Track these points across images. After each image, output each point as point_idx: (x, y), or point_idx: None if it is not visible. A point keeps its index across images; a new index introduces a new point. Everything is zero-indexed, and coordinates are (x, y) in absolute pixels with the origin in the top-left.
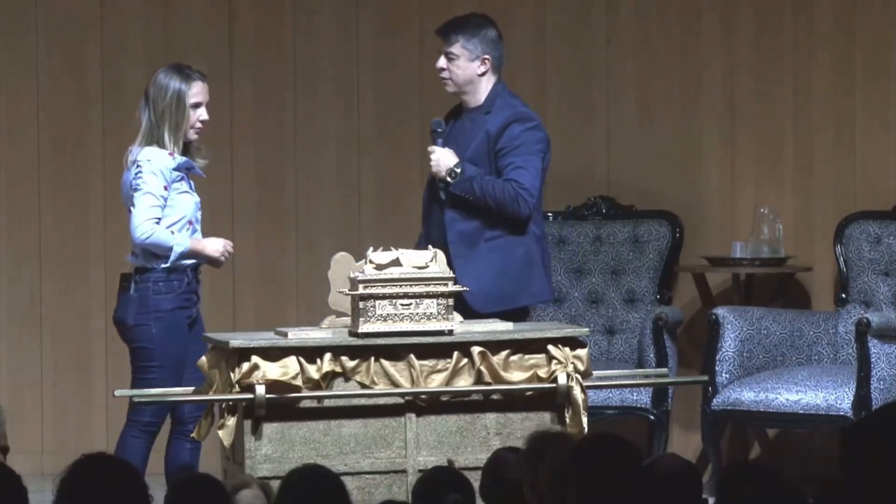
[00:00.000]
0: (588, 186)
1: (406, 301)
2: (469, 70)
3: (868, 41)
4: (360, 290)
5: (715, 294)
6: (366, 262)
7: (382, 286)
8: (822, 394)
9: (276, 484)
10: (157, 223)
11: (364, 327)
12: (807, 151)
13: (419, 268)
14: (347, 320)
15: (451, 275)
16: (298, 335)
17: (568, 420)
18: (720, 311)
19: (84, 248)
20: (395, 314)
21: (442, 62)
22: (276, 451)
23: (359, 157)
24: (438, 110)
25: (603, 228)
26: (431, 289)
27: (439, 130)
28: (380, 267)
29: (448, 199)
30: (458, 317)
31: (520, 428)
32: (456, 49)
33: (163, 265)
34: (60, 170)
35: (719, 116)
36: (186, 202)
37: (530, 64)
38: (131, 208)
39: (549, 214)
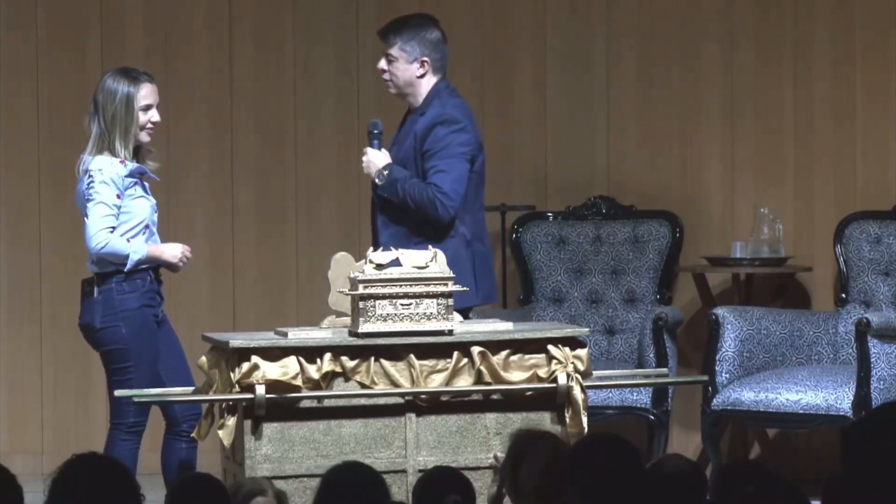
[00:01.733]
0: (588, 186)
1: (406, 301)
2: (408, 72)
3: (869, 40)
4: (360, 289)
5: (715, 294)
6: (366, 262)
7: (382, 286)
8: (822, 394)
9: (276, 484)
10: (112, 232)
11: (364, 327)
12: (807, 151)
13: (419, 268)
14: (347, 320)
15: (451, 275)
16: (298, 335)
17: (568, 420)
18: (720, 311)
19: (85, 247)
20: (395, 314)
21: (382, 64)
22: (276, 450)
23: (359, 157)
24: None
25: (603, 228)
26: (431, 289)
27: (375, 132)
28: (380, 267)
29: (379, 202)
30: (458, 317)
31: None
32: (395, 51)
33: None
34: (60, 168)
35: (719, 116)
36: (142, 207)
37: (530, 63)
38: (85, 219)
39: (549, 214)
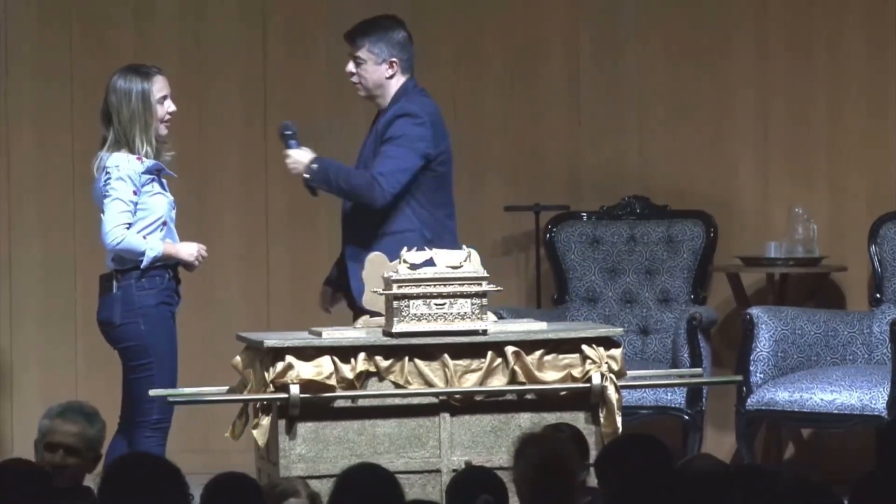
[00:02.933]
0: (622, 186)
1: (440, 301)
2: (377, 74)
3: None
4: (394, 289)
5: (749, 294)
6: (400, 262)
7: (416, 286)
8: (856, 394)
9: (312, 483)
10: (128, 228)
11: (398, 327)
12: (841, 151)
13: (453, 267)
14: (381, 320)
15: (486, 274)
16: (332, 335)
17: (602, 420)
18: (754, 311)
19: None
20: (429, 314)
21: (350, 66)
22: (311, 450)
23: None
24: (471, 124)
25: (637, 228)
26: (465, 288)
27: (288, 133)
28: (414, 267)
29: (345, 206)
30: (492, 316)
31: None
32: (363, 53)
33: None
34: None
35: (752, 115)
36: (160, 203)
37: (563, 63)
38: (101, 215)
39: (583, 214)
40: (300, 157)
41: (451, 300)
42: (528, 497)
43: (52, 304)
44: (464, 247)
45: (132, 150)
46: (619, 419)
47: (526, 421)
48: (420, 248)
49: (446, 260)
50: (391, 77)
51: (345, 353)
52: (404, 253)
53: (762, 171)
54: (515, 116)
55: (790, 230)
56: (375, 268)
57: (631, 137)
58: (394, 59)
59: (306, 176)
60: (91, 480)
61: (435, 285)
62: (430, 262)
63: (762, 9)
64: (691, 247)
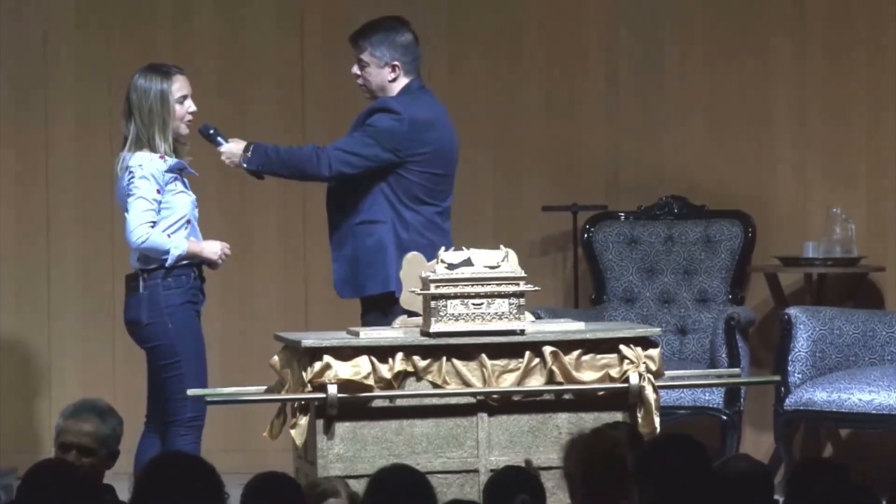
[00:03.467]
0: (660, 186)
1: (478, 300)
2: (380, 77)
3: None
4: (432, 289)
5: (787, 294)
6: (437, 262)
7: (454, 286)
8: (894, 394)
9: (350, 483)
10: (152, 227)
11: (436, 327)
12: (880, 152)
13: (491, 267)
14: (419, 320)
15: (523, 274)
16: (370, 335)
17: (640, 420)
18: (793, 311)
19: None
20: (467, 314)
21: (355, 69)
22: (349, 450)
23: None
24: (509, 124)
25: (675, 228)
26: (503, 288)
27: (211, 132)
28: (451, 266)
29: (329, 191)
30: (529, 316)
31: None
32: (365, 56)
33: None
34: None
35: (791, 115)
36: (183, 202)
37: (601, 62)
38: (125, 214)
39: (621, 214)
40: (232, 148)
41: (489, 300)
42: (581, 492)
43: (89, 303)
44: (501, 247)
45: (152, 149)
46: (657, 419)
47: (563, 421)
48: (388, 241)
49: (484, 260)
50: (394, 80)
51: (382, 352)
52: (442, 253)
53: (800, 171)
54: (554, 116)
55: (828, 230)
56: (413, 267)
57: (669, 137)
58: (396, 63)
59: (244, 165)
60: (125, 479)
61: (472, 285)
62: (467, 262)
63: (801, 10)
64: (729, 247)
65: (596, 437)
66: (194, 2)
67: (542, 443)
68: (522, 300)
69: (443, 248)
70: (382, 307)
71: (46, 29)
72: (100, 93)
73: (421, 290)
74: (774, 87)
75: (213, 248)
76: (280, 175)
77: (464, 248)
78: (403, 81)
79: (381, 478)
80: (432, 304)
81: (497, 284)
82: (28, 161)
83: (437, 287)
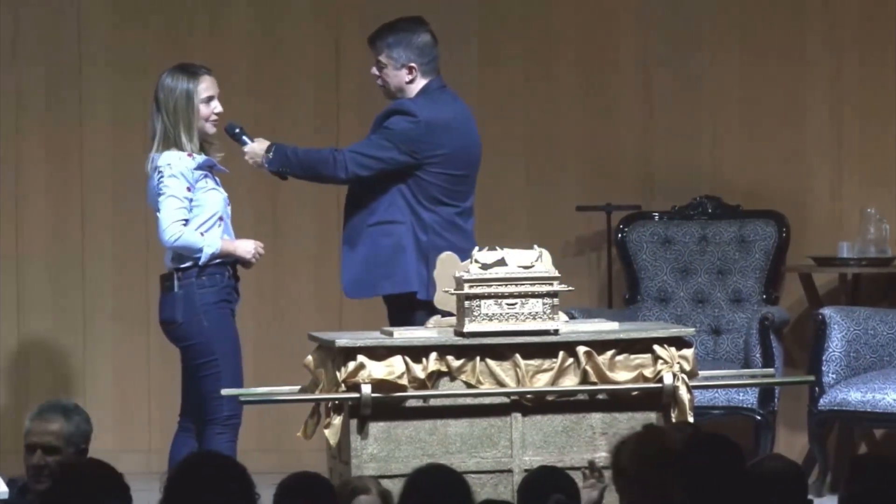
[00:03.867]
0: (694, 186)
1: (511, 300)
2: (397, 79)
3: None
4: (466, 289)
5: (821, 294)
6: (471, 262)
7: (488, 286)
8: None
9: (382, 483)
10: (185, 225)
11: (469, 327)
12: None
13: (525, 267)
14: (453, 320)
15: (557, 274)
16: (404, 334)
17: (674, 420)
18: (827, 311)
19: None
20: (501, 313)
21: (374, 70)
22: (383, 450)
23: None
24: (543, 124)
25: (709, 228)
26: (537, 288)
27: (237, 131)
28: (485, 266)
29: (348, 191)
30: (563, 316)
31: (626, 428)
32: (383, 58)
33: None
34: None
35: (825, 115)
36: (214, 199)
37: (636, 64)
38: (157, 213)
39: (655, 214)
40: (255, 148)
41: (523, 300)
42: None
43: (124, 303)
44: (535, 247)
45: (179, 148)
46: (690, 419)
47: (597, 421)
48: (407, 242)
49: (518, 260)
50: (411, 82)
51: (416, 352)
52: (475, 252)
53: (835, 171)
54: (588, 116)
55: (862, 230)
56: (446, 267)
57: (703, 137)
58: (412, 64)
59: (265, 165)
60: (150, 478)
61: (506, 285)
62: (501, 262)
63: (834, 10)
64: (763, 247)
65: (649, 436)
66: (229, 1)
67: (576, 443)
68: (556, 300)
69: (476, 248)
70: (404, 308)
71: (81, 27)
72: (134, 92)
73: (455, 289)
74: (808, 87)
75: (246, 247)
76: (299, 176)
77: (497, 247)
78: (421, 82)
79: (418, 478)
80: (466, 303)
81: (531, 284)
82: (63, 161)
83: (471, 287)
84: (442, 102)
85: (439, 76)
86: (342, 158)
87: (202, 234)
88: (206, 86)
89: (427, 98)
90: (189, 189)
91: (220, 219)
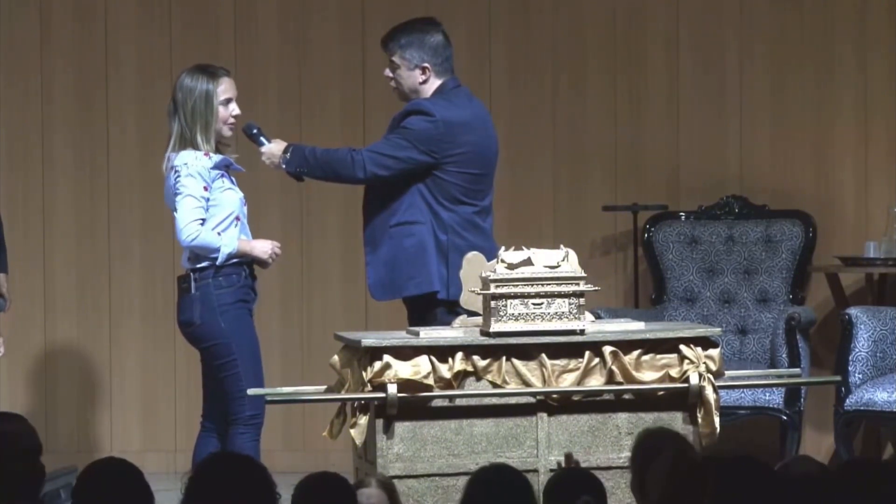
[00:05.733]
0: (720, 186)
1: (538, 300)
2: (411, 79)
3: None
4: (492, 289)
5: (848, 294)
6: (497, 262)
7: (514, 285)
8: None
9: (408, 482)
10: (202, 224)
11: (496, 326)
12: None
13: (551, 267)
14: (479, 320)
15: (583, 274)
16: (430, 334)
17: (700, 420)
18: (853, 311)
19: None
20: (527, 313)
21: (387, 72)
22: (408, 449)
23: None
24: (570, 124)
25: (735, 228)
26: (563, 288)
27: (254, 131)
28: (511, 266)
29: (365, 192)
30: (589, 316)
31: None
32: (396, 59)
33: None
34: None
35: (852, 115)
36: (231, 199)
37: (663, 63)
38: (174, 213)
39: (682, 214)
40: (272, 149)
41: (549, 300)
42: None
43: (150, 304)
44: (562, 246)
45: (196, 148)
46: (716, 419)
47: (623, 421)
48: (428, 242)
49: (544, 260)
50: (424, 82)
51: (442, 352)
52: (502, 252)
53: (862, 171)
54: (615, 116)
55: (889, 230)
56: (473, 267)
57: (730, 137)
58: (426, 65)
59: (283, 166)
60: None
61: (532, 285)
62: (527, 262)
63: (863, 10)
64: (790, 247)
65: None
66: (256, 3)
67: (602, 443)
68: (582, 300)
69: (502, 248)
70: (423, 307)
71: (107, 30)
72: (161, 96)
73: (481, 289)
74: (836, 87)
75: (263, 248)
76: (317, 177)
77: (524, 247)
78: (436, 82)
79: (482, 477)
80: (492, 303)
81: (557, 284)
82: (89, 164)
83: (497, 287)
84: (458, 102)
85: (454, 76)
86: (360, 158)
87: (219, 233)
88: (225, 87)
89: (443, 98)
90: (206, 188)
91: (237, 218)
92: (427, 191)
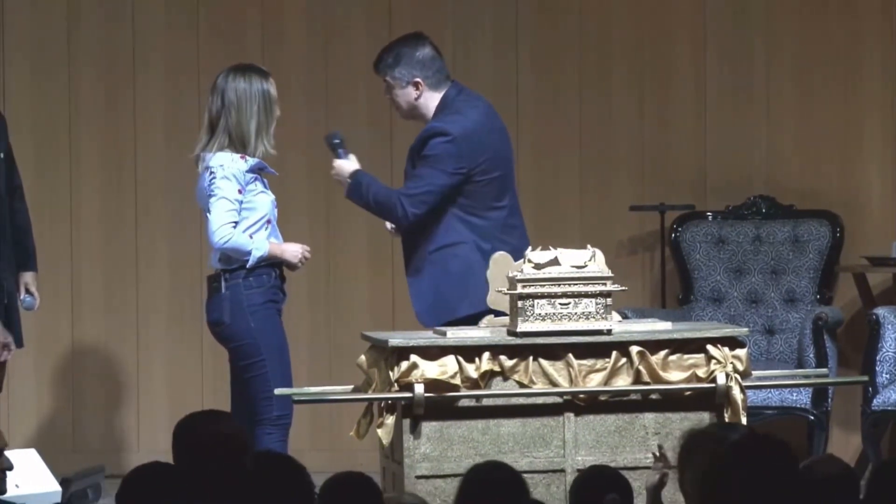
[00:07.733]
0: (748, 186)
1: (565, 300)
2: (406, 96)
3: None
4: (519, 289)
5: (875, 294)
6: (525, 262)
7: (541, 285)
8: None
9: (434, 482)
10: (234, 227)
11: (523, 326)
12: None
13: (578, 267)
14: (506, 319)
15: (610, 274)
16: (457, 334)
17: (727, 420)
18: (881, 312)
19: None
20: (554, 313)
21: (386, 95)
22: (435, 449)
23: (518, 172)
24: (597, 124)
25: (763, 228)
26: (590, 288)
27: (336, 142)
28: (539, 266)
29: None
30: (616, 316)
31: (678, 428)
32: (388, 79)
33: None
34: None
35: (880, 114)
36: (263, 202)
37: (689, 63)
38: (207, 214)
39: (709, 214)
40: (343, 168)
41: (576, 300)
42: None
43: (177, 304)
44: (589, 246)
45: (246, 150)
46: (744, 419)
47: (650, 421)
48: (473, 259)
49: (571, 259)
50: (419, 97)
51: (469, 352)
52: (529, 252)
53: (889, 170)
54: (642, 116)
55: None
56: (500, 267)
57: (757, 137)
58: (417, 80)
59: (344, 187)
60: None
61: (559, 285)
62: (554, 262)
63: (889, 10)
64: (817, 247)
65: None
66: (283, 4)
67: (629, 443)
68: (609, 300)
69: (529, 248)
70: (473, 322)
71: (134, 29)
72: (189, 94)
73: (508, 289)
74: (863, 87)
75: (293, 251)
76: (371, 212)
77: (551, 247)
78: (434, 96)
79: (475, 476)
80: (519, 303)
81: (584, 284)
82: (117, 163)
83: (524, 287)
84: (465, 109)
85: (453, 83)
86: (401, 206)
87: (250, 236)
88: (275, 89)
89: (450, 111)
90: (240, 191)
91: (269, 221)
92: (459, 209)
